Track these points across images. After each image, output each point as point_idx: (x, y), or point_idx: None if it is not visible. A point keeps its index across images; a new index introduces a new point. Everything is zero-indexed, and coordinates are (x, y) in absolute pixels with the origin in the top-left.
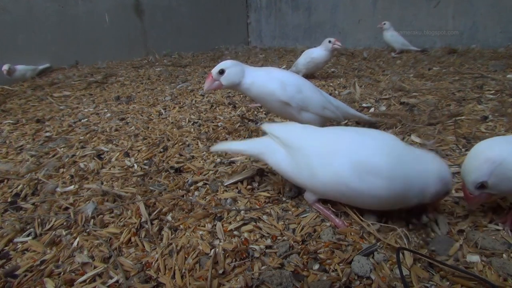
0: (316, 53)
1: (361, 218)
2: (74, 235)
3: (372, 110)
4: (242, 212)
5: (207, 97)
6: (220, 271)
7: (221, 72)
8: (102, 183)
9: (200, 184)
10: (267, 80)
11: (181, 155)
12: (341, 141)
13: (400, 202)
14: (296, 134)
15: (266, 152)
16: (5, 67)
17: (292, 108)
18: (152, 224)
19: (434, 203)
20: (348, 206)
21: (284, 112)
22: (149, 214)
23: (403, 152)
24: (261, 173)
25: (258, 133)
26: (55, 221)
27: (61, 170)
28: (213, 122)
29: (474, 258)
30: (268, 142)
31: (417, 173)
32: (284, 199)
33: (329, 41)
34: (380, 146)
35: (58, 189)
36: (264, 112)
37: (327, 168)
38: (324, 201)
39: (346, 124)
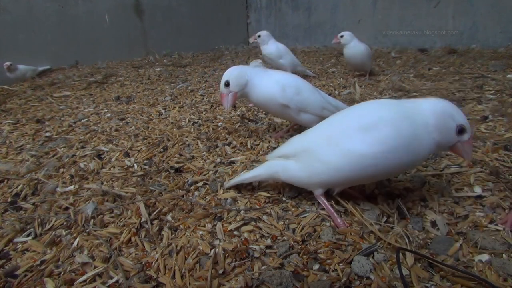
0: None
1: (362, 215)
2: (74, 235)
3: None
4: (242, 212)
5: (207, 97)
6: (220, 271)
7: (227, 84)
8: (102, 183)
9: (200, 184)
10: (267, 84)
11: (181, 155)
12: (336, 122)
13: (414, 149)
14: (297, 142)
15: (279, 170)
16: (7, 63)
17: (291, 110)
18: (152, 224)
19: (457, 149)
20: (350, 203)
21: (283, 114)
22: (149, 214)
23: (397, 102)
24: None
25: (258, 133)
26: (55, 221)
27: (61, 170)
28: (213, 122)
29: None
30: (276, 162)
31: (417, 112)
32: (284, 199)
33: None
34: (371, 105)
35: (58, 189)
36: (264, 112)
37: (336, 151)
38: (327, 198)
39: None
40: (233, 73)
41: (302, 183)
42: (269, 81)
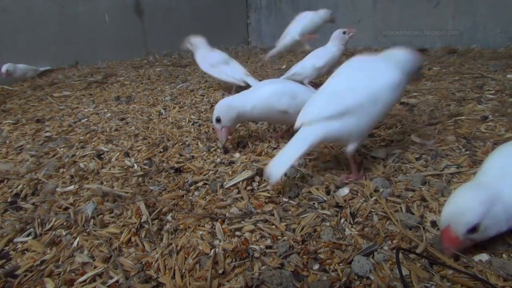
0: (330, 53)
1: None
2: (74, 235)
3: None
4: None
5: (207, 97)
6: (220, 271)
7: (218, 119)
8: (102, 183)
9: (200, 184)
10: (264, 98)
11: (181, 155)
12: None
13: None
14: (343, 100)
15: (326, 132)
16: (4, 70)
17: (290, 115)
18: (152, 224)
19: None
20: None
21: (283, 119)
22: (149, 214)
23: None
24: (261, 173)
25: (258, 133)
26: (55, 221)
27: (61, 170)
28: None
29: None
30: (320, 127)
31: None
32: (284, 199)
33: (344, 32)
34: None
35: (58, 189)
36: None
37: (377, 101)
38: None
39: None
40: (222, 108)
41: (352, 138)
42: (263, 94)
